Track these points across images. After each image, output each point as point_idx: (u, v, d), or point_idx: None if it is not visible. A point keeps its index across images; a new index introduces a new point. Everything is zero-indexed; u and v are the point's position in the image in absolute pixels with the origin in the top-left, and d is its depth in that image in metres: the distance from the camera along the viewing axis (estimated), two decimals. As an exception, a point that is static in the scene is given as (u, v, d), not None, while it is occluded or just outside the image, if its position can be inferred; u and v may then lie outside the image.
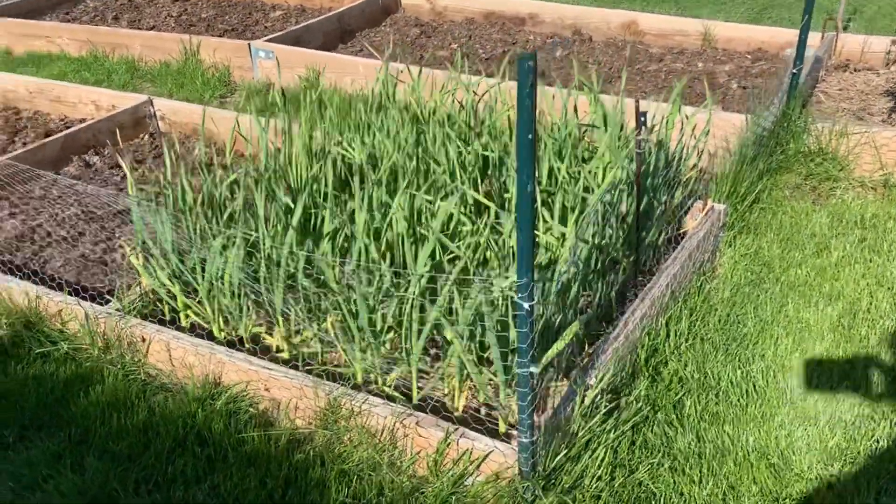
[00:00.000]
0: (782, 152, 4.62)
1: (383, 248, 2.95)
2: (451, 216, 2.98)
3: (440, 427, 2.56)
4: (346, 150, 3.54)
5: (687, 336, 3.31)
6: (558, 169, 3.29)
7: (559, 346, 2.65)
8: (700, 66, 6.16)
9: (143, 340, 3.18)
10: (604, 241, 3.03)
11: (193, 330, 3.25)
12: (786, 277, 3.75)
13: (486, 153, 3.41)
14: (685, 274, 3.52)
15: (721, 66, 6.14)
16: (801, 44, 4.44)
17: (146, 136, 5.70)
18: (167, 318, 3.31)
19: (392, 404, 2.67)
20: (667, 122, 3.73)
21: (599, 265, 3.01)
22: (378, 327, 2.73)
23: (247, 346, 3.12)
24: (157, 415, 2.95)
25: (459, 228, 3.00)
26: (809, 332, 3.35)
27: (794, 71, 4.55)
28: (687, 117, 3.84)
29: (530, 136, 1.90)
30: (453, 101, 3.92)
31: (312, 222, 3.13)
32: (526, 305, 2.10)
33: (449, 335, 2.54)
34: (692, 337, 3.32)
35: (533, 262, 2.07)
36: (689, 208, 3.90)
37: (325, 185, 3.20)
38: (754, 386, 3.04)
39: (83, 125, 5.47)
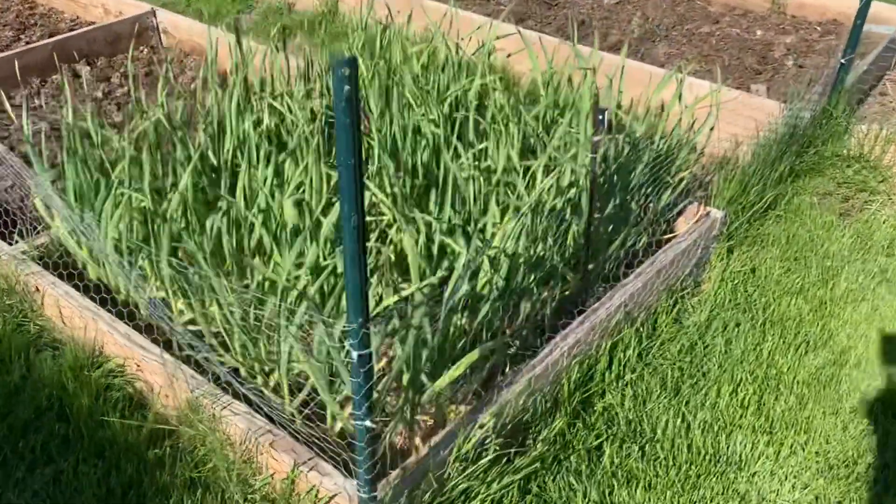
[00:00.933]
0: (815, 153, 4.01)
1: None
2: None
3: (294, 453, 2.25)
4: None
5: (636, 366, 2.89)
6: (507, 158, 2.84)
7: (441, 383, 2.29)
8: (759, 34, 5.44)
9: (38, 290, 2.95)
10: (538, 253, 2.60)
11: (99, 289, 3.00)
12: (776, 307, 3.25)
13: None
14: (651, 291, 3.06)
15: (783, 36, 5.41)
16: (856, 30, 3.76)
17: (146, 50, 5.42)
18: (77, 270, 3.07)
19: (254, 416, 2.37)
20: (667, 106, 3.21)
21: (527, 281, 2.60)
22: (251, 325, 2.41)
23: (143, 312, 2.85)
24: (32, 377, 2.74)
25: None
26: (777, 383, 2.88)
27: (843, 61, 3.88)
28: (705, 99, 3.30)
29: (351, 161, 1.50)
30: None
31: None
32: (355, 354, 1.73)
33: (304, 365, 2.20)
34: (642, 367, 2.90)
35: (366, 305, 1.69)
36: (681, 211, 3.40)
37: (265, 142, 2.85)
38: (689, 444, 2.61)
39: (76, 32, 5.21)
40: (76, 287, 2.89)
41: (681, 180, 3.26)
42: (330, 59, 1.45)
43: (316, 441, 2.24)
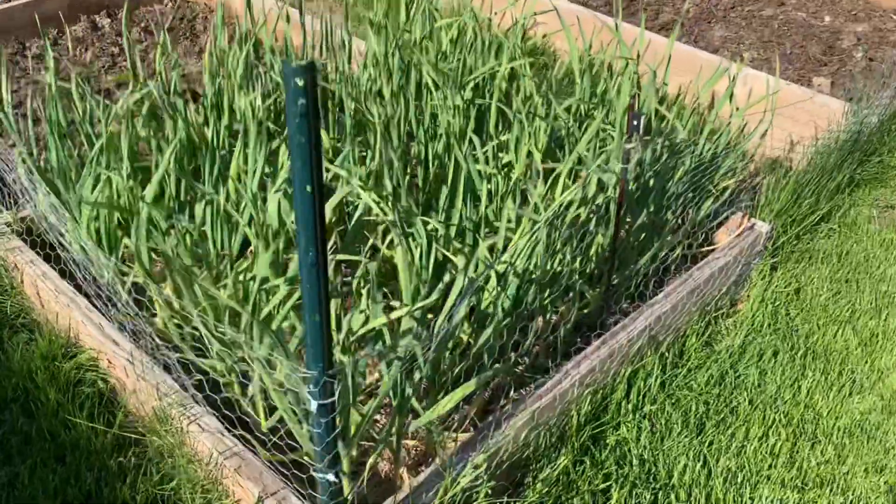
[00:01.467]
0: (880, 161, 3.62)
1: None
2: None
3: (261, 482, 2.02)
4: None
5: (657, 396, 2.60)
6: (528, 155, 2.54)
7: (429, 416, 2.04)
8: (826, 20, 4.99)
9: (16, 268, 2.76)
10: (553, 269, 2.31)
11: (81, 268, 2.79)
12: (820, 336, 2.92)
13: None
14: (682, 312, 2.76)
15: (853, 24, 4.95)
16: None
17: (171, 4, 5.16)
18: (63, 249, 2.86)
19: (223, 435, 2.14)
20: (717, 101, 2.86)
21: (539, 300, 2.31)
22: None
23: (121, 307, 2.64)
24: (1, 362, 2.55)
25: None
26: (814, 428, 2.57)
27: (921, 60, 3.46)
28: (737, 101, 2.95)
29: (309, 189, 1.23)
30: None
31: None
32: (314, 404, 1.48)
33: (273, 396, 1.95)
34: (664, 398, 2.61)
35: (328, 350, 1.44)
36: (722, 221, 3.08)
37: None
38: (708, 494, 2.33)
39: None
40: (60, 269, 2.68)
41: (724, 189, 2.92)
42: (282, 66, 1.17)
43: (288, 469, 2.01)
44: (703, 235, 3.04)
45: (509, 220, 2.35)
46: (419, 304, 1.90)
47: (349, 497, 2.06)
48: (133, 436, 2.33)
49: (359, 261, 2.14)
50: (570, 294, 2.49)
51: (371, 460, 2.06)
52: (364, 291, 1.91)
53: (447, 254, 2.11)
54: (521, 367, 2.53)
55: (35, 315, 2.76)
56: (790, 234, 3.25)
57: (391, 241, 2.27)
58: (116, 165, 2.36)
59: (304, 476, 1.86)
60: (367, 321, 1.95)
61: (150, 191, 2.27)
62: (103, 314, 2.49)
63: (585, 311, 2.62)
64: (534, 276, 2.22)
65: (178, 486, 2.18)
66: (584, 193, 2.31)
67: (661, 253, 2.80)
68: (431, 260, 2.23)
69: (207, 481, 2.15)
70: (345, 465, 2.01)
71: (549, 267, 2.24)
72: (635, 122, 2.16)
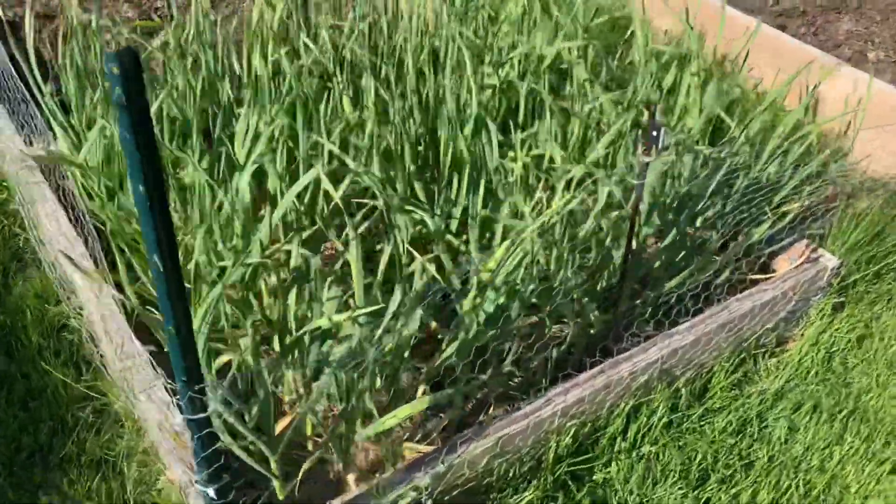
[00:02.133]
0: None
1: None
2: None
3: (188, 469, 1.92)
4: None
5: (659, 436, 2.32)
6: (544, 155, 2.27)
7: (368, 432, 1.86)
8: (981, 22, 4.31)
9: (35, 202, 2.77)
10: (541, 286, 2.07)
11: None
12: (875, 396, 2.53)
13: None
14: (708, 347, 2.44)
15: None
16: None
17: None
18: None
19: (168, 409, 2.06)
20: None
21: (520, 317, 2.08)
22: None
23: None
24: (0, 296, 2.58)
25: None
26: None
27: None
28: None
29: (143, 188, 1.06)
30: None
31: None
32: (178, 418, 1.34)
33: None
34: (668, 439, 2.33)
35: (194, 362, 1.28)
36: (786, 246, 2.71)
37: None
38: (684, 563, 2.06)
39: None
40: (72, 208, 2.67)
41: (784, 214, 2.55)
42: (105, 56, 1.00)
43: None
44: (761, 259, 2.68)
45: (506, 225, 2.12)
46: (362, 311, 1.72)
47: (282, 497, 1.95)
48: (96, 395, 2.29)
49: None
50: (566, 316, 2.23)
51: (306, 465, 1.91)
52: (307, 287, 1.74)
53: (415, 252, 1.90)
54: (514, 382, 2.32)
55: (44, 254, 2.77)
56: (866, 272, 2.82)
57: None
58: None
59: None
60: (303, 322, 1.79)
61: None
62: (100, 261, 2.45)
63: (592, 331, 2.36)
64: (518, 289, 1.98)
65: (120, 452, 2.12)
66: (587, 205, 2.03)
67: (697, 276, 2.48)
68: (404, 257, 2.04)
69: (148, 455, 2.08)
70: (273, 468, 1.88)
71: (537, 282, 2.00)
72: (654, 133, 1.87)
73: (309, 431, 2.14)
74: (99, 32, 2.53)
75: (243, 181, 1.98)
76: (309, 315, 1.80)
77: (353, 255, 1.76)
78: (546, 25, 2.89)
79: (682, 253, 2.48)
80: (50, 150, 2.61)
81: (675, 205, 2.33)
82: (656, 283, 2.49)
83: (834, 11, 4.42)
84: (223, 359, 2.18)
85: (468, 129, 2.43)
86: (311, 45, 2.53)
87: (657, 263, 2.48)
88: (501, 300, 1.97)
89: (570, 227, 2.06)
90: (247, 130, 2.17)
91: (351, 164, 2.04)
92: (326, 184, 1.81)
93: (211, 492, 1.47)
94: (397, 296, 1.66)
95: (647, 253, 2.50)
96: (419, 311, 1.74)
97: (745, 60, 2.75)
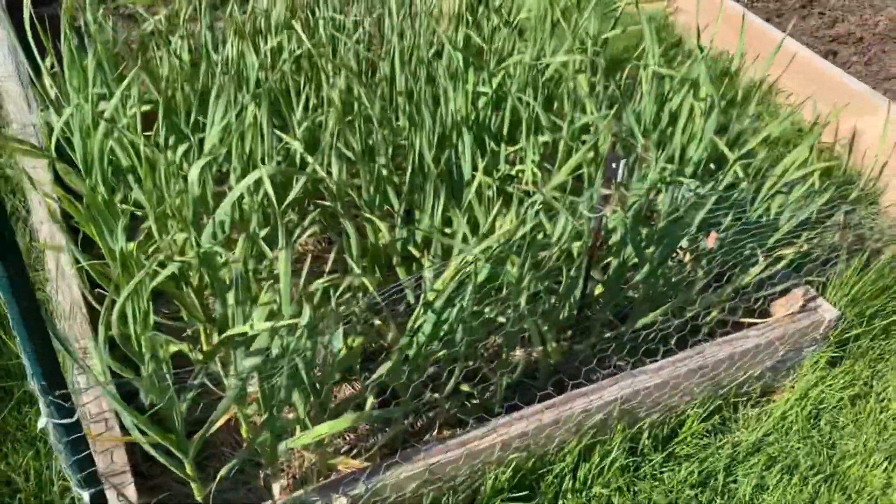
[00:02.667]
0: None
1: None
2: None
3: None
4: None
5: (611, 479, 2.20)
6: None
7: (283, 447, 1.81)
8: None
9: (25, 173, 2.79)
10: (488, 314, 1.97)
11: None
12: (858, 463, 2.35)
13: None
14: (678, 391, 2.30)
15: None
16: None
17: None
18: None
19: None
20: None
21: (464, 342, 1.98)
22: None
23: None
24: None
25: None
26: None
27: None
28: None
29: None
30: None
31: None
32: (43, 421, 1.30)
33: None
34: (623, 483, 2.21)
35: (54, 368, 1.24)
36: (782, 291, 2.54)
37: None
38: None
39: None
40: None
41: (778, 258, 2.38)
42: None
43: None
44: (759, 303, 2.51)
45: (464, 240, 2.02)
46: (283, 322, 1.65)
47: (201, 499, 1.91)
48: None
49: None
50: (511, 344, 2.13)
51: (224, 472, 1.87)
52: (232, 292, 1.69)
53: (353, 264, 1.82)
54: (469, 404, 2.23)
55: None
56: (872, 326, 2.63)
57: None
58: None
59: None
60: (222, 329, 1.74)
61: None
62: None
63: (550, 361, 2.25)
64: (463, 313, 1.89)
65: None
66: (535, 234, 1.92)
67: (680, 314, 2.34)
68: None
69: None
70: (188, 470, 1.84)
71: (478, 307, 1.90)
72: (613, 165, 1.74)
73: (245, 434, 2.10)
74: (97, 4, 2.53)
75: (192, 173, 1.93)
76: (244, 316, 1.75)
77: (282, 265, 1.70)
78: (560, 33, 2.77)
79: (663, 288, 2.35)
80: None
81: (654, 237, 2.19)
82: (634, 317, 2.37)
83: (894, 41, 4.15)
84: (173, 348, 2.16)
85: (436, 138, 2.34)
86: (303, 36, 2.47)
87: (636, 296, 2.35)
88: (445, 319, 1.88)
89: (530, 253, 1.95)
90: (213, 121, 2.13)
91: (311, 161, 1.98)
92: (267, 186, 1.75)
93: (86, 497, 1.43)
94: (306, 312, 1.59)
95: (626, 285, 2.38)
96: (340, 331, 1.67)
97: (771, 86, 2.57)
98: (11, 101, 3.00)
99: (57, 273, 2.28)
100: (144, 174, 2.06)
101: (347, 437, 2.23)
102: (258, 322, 1.75)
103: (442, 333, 1.89)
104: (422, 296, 1.91)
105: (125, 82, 2.11)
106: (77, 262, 2.19)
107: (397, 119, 2.49)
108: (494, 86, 2.46)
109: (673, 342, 2.35)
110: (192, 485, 1.89)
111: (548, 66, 2.60)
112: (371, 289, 1.80)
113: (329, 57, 2.40)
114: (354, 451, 2.18)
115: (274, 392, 1.74)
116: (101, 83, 2.35)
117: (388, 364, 1.88)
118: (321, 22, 2.58)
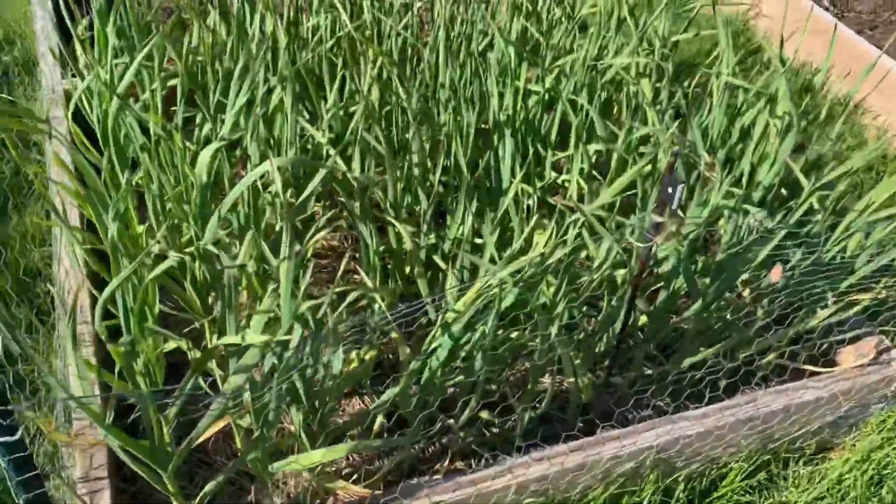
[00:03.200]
0: None
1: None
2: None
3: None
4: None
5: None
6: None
7: (280, 466, 1.63)
8: None
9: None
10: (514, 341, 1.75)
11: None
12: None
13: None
14: (722, 443, 2.06)
15: None
16: None
17: None
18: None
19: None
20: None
21: (483, 370, 1.77)
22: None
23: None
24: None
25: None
26: None
27: None
28: None
29: None
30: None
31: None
32: (-20, 438, 1.14)
33: None
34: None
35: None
36: (853, 338, 2.26)
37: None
38: None
39: None
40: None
41: (849, 304, 2.10)
42: None
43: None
44: (824, 349, 2.24)
45: (492, 260, 1.81)
46: (274, 338, 1.46)
47: None
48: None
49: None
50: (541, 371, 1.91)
51: (208, 487, 1.70)
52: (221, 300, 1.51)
53: (365, 277, 1.62)
54: (489, 433, 2.03)
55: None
56: (953, 385, 2.33)
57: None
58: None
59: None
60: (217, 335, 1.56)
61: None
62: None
63: (582, 396, 2.02)
64: (484, 339, 1.68)
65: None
66: (588, 256, 1.69)
67: (734, 355, 2.09)
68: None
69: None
70: (169, 487, 1.67)
71: (500, 334, 1.69)
72: (669, 190, 1.50)
73: (240, 445, 1.93)
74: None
75: (202, 157, 1.76)
76: (236, 325, 1.57)
77: (283, 276, 1.51)
78: (626, 31, 2.52)
79: (717, 325, 2.10)
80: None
81: (711, 270, 1.95)
82: (681, 355, 2.12)
83: None
84: (171, 345, 2.00)
85: (471, 140, 2.12)
86: (344, 16, 2.28)
87: (687, 330, 2.11)
88: (462, 345, 1.68)
89: (566, 277, 1.73)
90: (233, 102, 1.95)
91: (332, 154, 1.78)
92: (277, 183, 1.56)
93: (32, 516, 1.27)
94: (297, 332, 1.40)
95: (675, 318, 2.13)
96: (340, 351, 1.47)
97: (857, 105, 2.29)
98: (47, 66, 2.89)
99: (61, 250, 2.15)
100: (152, 154, 1.90)
101: (351, 458, 2.04)
102: (253, 332, 1.57)
103: (458, 360, 1.69)
104: (440, 316, 1.71)
105: (142, 53, 1.95)
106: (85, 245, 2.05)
107: (438, 113, 2.28)
108: (548, 84, 2.23)
109: (722, 386, 2.10)
110: (174, 501, 1.73)
111: (609, 66, 2.35)
112: (381, 304, 1.60)
113: (370, 41, 2.20)
114: (358, 475, 2.00)
115: (265, 411, 1.56)
116: (124, 52, 2.19)
117: (396, 389, 1.68)
118: (366, 2, 2.38)
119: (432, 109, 2.23)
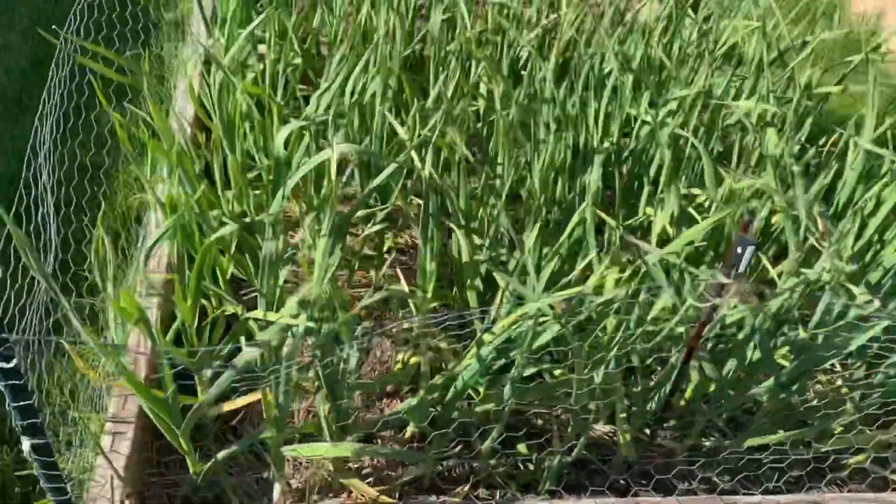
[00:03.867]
0: None
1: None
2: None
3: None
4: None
5: None
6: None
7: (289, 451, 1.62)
8: None
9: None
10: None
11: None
12: None
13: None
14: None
15: None
16: None
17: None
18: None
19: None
20: None
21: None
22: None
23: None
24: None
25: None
26: None
27: None
28: None
29: None
30: None
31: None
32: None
33: None
34: None
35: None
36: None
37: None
38: None
39: None
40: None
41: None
42: None
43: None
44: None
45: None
46: (284, 320, 1.43)
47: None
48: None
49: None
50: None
51: (220, 455, 1.72)
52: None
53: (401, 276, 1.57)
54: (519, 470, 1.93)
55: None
56: None
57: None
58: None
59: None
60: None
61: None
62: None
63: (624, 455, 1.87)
64: (513, 370, 1.59)
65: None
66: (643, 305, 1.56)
67: (814, 445, 1.87)
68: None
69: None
70: (183, 445, 1.70)
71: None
72: (738, 250, 1.35)
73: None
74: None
75: (279, 137, 1.77)
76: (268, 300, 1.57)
77: (318, 254, 1.48)
78: (765, 73, 2.32)
79: (796, 410, 1.88)
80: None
81: (793, 347, 1.75)
82: (747, 433, 1.92)
83: None
84: (231, 309, 2.05)
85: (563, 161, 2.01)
86: (466, 18, 2.24)
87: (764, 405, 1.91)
88: (490, 371, 1.59)
89: (624, 324, 1.60)
90: (328, 87, 1.96)
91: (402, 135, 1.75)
92: (332, 168, 1.54)
93: (26, 444, 1.32)
94: (302, 319, 1.36)
95: (752, 389, 1.93)
96: (355, 348, 1.43)
97: None
98: (195, 23, 3.04)
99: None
100: (255, 127, 1.94)
101: (377, 461, 2.00)
102: (287, 310, 1.56)
103: (483, 385, 1.60)
104: (479, 335, 1.63)
105: (253, 25, 1.99)
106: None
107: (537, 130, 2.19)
108: (661, 116, 2.09)
109: (784, 479, 1.88)
110: (187, 458, 1.75)
111: (735, 108, 2.18)
112: (414, 310, 1.55)
113: (481, 49, 2.15)
114: (379, 478, 1.95)
115: (279, 390, 1.55)
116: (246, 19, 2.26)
117: (414, 400, 1.63)
118: (491, 7, 2.33)
119: (536, 122, 2.15)
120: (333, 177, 1.54)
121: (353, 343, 1.46)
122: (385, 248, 2.34)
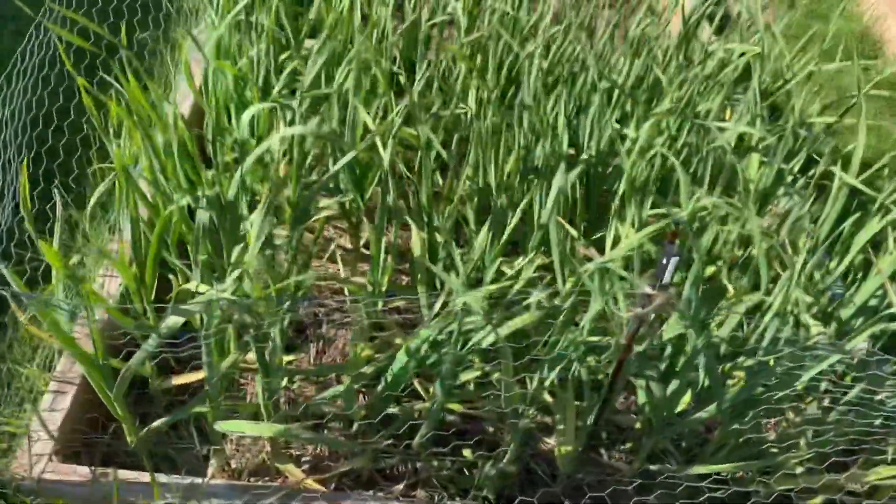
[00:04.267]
0: None
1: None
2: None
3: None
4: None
5: None
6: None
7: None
8: None
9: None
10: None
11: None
12: None
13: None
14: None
15: None
16: None
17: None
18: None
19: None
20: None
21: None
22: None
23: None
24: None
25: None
26: None
27: None
28: None
29: None
30: None
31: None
32: None
33: None
34: None
35: None
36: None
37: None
38: None
39: None
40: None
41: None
42: None
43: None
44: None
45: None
46: (204, 289, 1.44)
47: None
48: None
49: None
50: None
51: (155, 424, 1.73)
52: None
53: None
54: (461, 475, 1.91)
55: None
56: None
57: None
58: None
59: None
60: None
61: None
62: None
63: (560, 467, 1.83)
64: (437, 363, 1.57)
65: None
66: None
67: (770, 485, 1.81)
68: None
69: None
70: (119, 410, 1.72)
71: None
72: (664, 261, 1.31)
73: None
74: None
75: (244, 117, 1.79)
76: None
77: (253, 231, 1.50)
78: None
79: (746, 438, 1.82)
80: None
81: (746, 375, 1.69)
82: (700, 459, 1.86)
83: None
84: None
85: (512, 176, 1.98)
86: (462, 20, 2.24)
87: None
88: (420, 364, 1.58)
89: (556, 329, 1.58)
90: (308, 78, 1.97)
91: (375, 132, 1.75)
92: (276, 153, 1.55)
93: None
94: (209, 293, 1.37)
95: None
96: (277, 326, 1.44)
97: None
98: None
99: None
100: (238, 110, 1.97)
101: (321, 449, 1.99)
102: (206, 283, 1.58)
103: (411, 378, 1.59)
104: (419, 328, 1.62)
105: (237, 8, 2.02)
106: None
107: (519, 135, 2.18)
108: (643, 132, 2.06)
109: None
110: (124, 424, 1.77)
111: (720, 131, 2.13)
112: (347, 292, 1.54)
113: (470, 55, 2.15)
114: (316, 465, 1.94)
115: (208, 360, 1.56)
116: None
117: (341, 388, 1.62)
118: (487, 13, 2.33)
119: (514, 128, 2.14)
120: (277, 156, 1.55)
121: (277, 320, 1.46)
122: (361, 244, 2.34)
